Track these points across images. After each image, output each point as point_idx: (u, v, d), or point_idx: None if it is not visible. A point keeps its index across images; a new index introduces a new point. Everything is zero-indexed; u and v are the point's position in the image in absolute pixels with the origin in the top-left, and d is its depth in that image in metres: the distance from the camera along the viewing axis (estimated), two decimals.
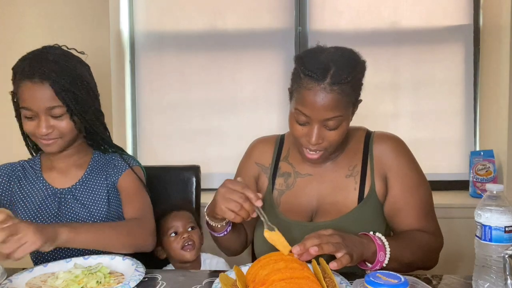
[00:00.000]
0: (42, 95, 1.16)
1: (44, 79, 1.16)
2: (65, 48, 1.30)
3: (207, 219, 1.18)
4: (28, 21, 2.15)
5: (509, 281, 0.86)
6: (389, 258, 1.04)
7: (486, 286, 0.93)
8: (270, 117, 2.33)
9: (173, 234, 1.47)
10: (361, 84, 1.15)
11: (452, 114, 2.32)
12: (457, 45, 2.30)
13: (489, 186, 0.94)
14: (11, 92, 1.26)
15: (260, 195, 1.05)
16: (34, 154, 1.39)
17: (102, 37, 2.15)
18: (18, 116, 1.28)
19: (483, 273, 0.94)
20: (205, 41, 2.34)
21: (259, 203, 1.04)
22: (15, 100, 1.25)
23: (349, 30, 2.31)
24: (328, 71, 1.07)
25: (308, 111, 1.09)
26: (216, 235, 1.22)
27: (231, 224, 1.21)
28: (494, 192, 0.93)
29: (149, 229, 1.29)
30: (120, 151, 1.43)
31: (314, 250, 0.93)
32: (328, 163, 1.25)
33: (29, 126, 1.21)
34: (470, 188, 2.22)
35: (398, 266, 1.07)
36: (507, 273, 0.86)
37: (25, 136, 1.34)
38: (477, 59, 2.30)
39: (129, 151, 2.36)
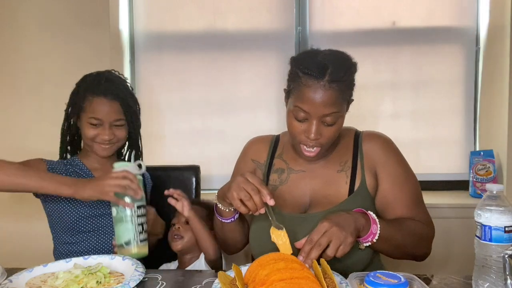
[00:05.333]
0: (111, 109, 1.44)
1: (116, 97, 1.45)
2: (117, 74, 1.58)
3: (217, 202, 1.21)
4: (28, 20, 2.15)
5: (509, 281, 0.86)
6: (379, 236, 1.10)
7: (486, 286, 0.94)
8: (270, 117, 2.33)
9: (175, 225, 1.51)
10: (354, 84, 1.22)
11: (452, 114, 2.32)
12: (457, 45, 2.30)
13: (489, 186, 0.95)
14: (68, 104, 1.50)
15: (273, 201, 1.08)
16: (62, 157, 1.55)
17: (102, 37, 2.15)
18: (70, 125, 1.51)
19: (483, 273, 0.94)
20: (205, 41, 2.34)
21: (271, 202, 1.08)
22: (70, 110, 1.50)
23: (349, 30, 2.31)
24: (326, 69, 1.13)
25: (307, 107, 1.14)
26: (223, 220, 1.24)
27: (238, 212, 1.23)
28: (494, 192, 0.94)
29: None
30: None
31: (309, 264, 1.02)
32: (321, 160, 1.30)
33: (92, 132, 1.44)
34: (470, 188, 2.22)
35: (389, 247, 1.16)
36: (507, 273, 0.86)
37: (65, 140, 1.53)
38: (477, 59, 2.30)
39: None
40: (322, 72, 1.12)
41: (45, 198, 1.46)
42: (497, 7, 2.19)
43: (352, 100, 1.24)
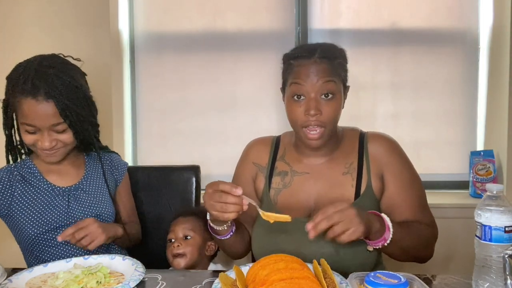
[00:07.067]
0: (46, 112, 1.18)
1: (48, 98, 1.18)
2: (62, 56, 1.30)
3: (211, 225, 1.18)
4: (28, 21, 2.15)
5: (509, 281, 0.86)
6: (391, 239, 1.08)
7: (486, 286, 0.93)
8: (270, 117, 2.33)
9: (172, 240, 1.46)
10: (347, 68, 1.25)
11: (452, 115, 2.32)
12: (458, 45, 2.30)
13: (489, 186, 0.95)
14: (3, 100, 1.26)
15: (240, 189, 1.04)
16: (12, 161, 1.36)
17: (102, 38, 2.15)
18: (8, 124, 1.29)
19: (483, 273, 0.94)
20: (205, 41, 2.34)
21: (239, 191, 1.03)
22: (7, 109, 1.26)
23: (349, 30, 2.31)
24: (316, 49, 1.20)
25: (303, 80, 1.18)
26: (222, 238, 1.21)
27: (235, 225, 1.21)
28: (494, 192, 0.93)
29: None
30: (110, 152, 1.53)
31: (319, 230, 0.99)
32: (325, 160, 1.28)
33: (30, 139, 1.22)
34: (470, 188, 2.22)
35: (397, 250, 1.14)
36: (507, 273, 0.86)
37: (10, 143, 1.34)
38: (477, 60, 2.30)
39: (129, 151, 2.36)
40: (312, 52, 1.19)
41: (4, 213, 1.31)
42: (498, 8, 2.19)
43: (349, 86, 1.25)
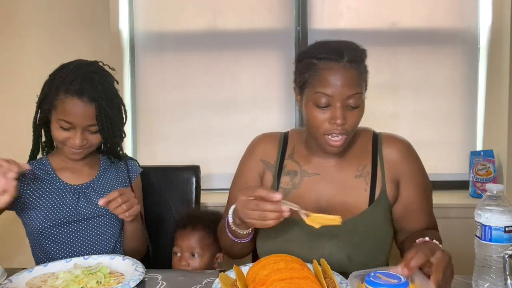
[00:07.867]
0: (86, 113, 1.27)
1: (91, 100, 1.27)
2: (101, 65, 1.40)
3: (234, 228, 1.13)
4: (28, 20, 2.14)
5: (509, 281, 0.86)
6: None
7: (486, 286, 0.94)
8: (270, 117, 2.33)
9: (178, 254, 1.41)
10: (368, 70, 1.21)
11: (452, 115, 2.32)
12: (457, 45, 2.30)
13: (489, 186, 0.95)
14: (40, 95, 1.34)
15: (279, 194, 0.99)
16: (34, 156, 1.42)
17: (102, 37, 2.14)
18: (41, 120, 1.35)
19: (483, 273, 0.94)
20: (205, 41, 2.34)
21: (278, 196, 0.98)
22: (42, 105, 1.33)
23: (349, 30, 2.31)
24: (343, 51, 1.14)
25: (330, 90, 1.11)
26: (238, 241, 1.16)
27: (253, 230, 1.16)
28: (494, 192, 0.94)
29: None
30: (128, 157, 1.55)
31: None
32: (336, 162, 1.24)
33: (63, 135, 1.29)
34: (470, 188, 2.22)
35: None
36: (507, 273, 0.86)
37: (37, 139, 1.40)
38: (477, 60, 2.30)
39: (129, 151, 2.36)
40: (340, 54, 1.12)
41: (19, 207, 1.34)
42: (498, 7, 2.19)
43: (366, 89, 1.21)
